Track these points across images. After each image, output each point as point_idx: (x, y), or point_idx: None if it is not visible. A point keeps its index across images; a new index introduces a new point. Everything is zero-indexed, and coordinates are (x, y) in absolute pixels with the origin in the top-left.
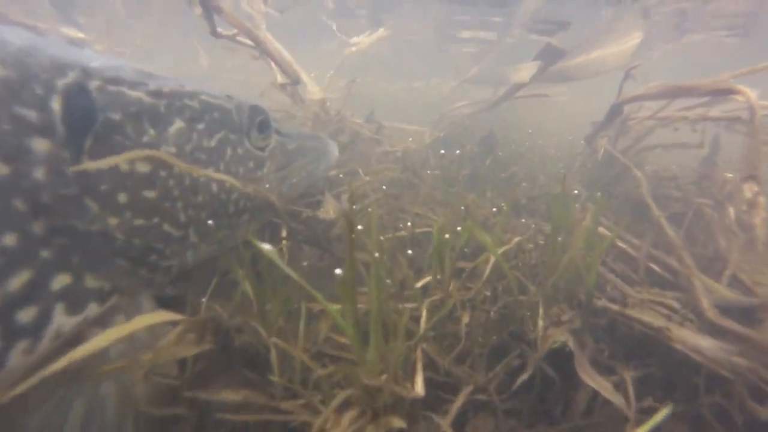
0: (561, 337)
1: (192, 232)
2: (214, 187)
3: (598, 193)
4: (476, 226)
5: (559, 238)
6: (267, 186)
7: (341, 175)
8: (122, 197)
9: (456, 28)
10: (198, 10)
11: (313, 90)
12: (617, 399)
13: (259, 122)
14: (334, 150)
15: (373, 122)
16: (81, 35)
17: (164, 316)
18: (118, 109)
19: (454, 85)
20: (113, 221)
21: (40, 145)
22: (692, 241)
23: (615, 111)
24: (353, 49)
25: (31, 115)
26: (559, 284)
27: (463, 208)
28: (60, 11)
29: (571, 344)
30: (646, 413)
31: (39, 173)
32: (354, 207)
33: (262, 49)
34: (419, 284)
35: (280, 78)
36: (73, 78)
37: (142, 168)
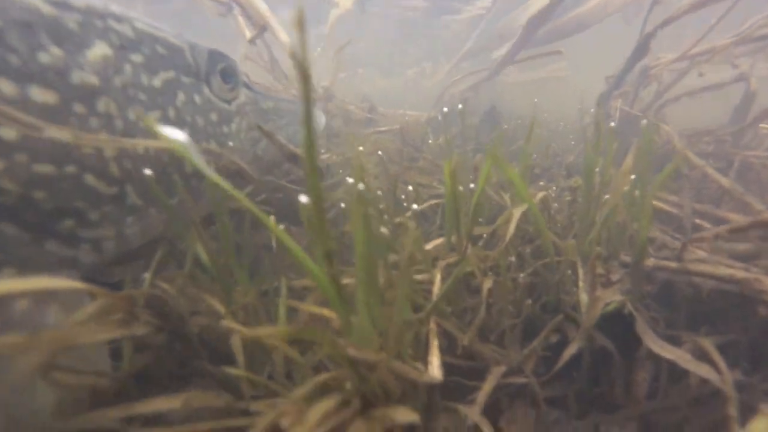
0: (615, 297)
1: (131, 190)
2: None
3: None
4: (499, 160)
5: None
6: (237, 145)
7: (334, 157)
8: (7, 133)
9: None
10: None
11: (285, 38)
12: (704, 371)
13: (222, 69)
14: (319, 115)
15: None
16: None
17: (63, 283)
18: None
19: (450, 67)
20: None
21: None
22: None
23: (641, 50)
24: (336, 11)
25: None
26: (599, 242)
27: (472, 178)
28: None
29: (630, 307)
30: (737, 389)
31: None
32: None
33: None
34: (429, 245)
35: (248, 33)
36: None
37: (43, 97)
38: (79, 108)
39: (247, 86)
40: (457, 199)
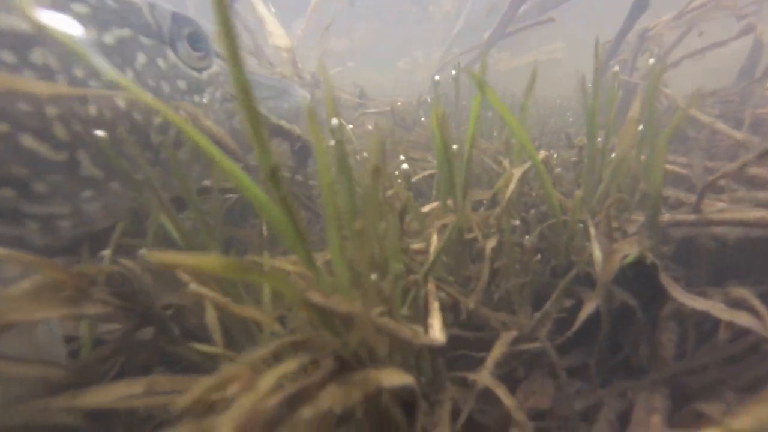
0: (633, 249)
1: (84, 157)
2: (119, 101)
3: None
4: (492, 94)
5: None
6: (211, 117)
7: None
8: None
9: None
10: None
11: (276, 33)
12: (743, 319)
13: (189, 34)
14: (302, 91)
15: (359, 92)
16: None
17: None
18: None
19: (442, 53)
20: None
21: None
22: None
23: (640, 6)
24: None
25: None
26: (608, 195)
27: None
28: None
29: (651, 257)
30: None
31: None
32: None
33: None
34: (425, 209)
35: None
36: None
37: None
38: (7, 57)
39: (219, 56)
40: (448, 151)
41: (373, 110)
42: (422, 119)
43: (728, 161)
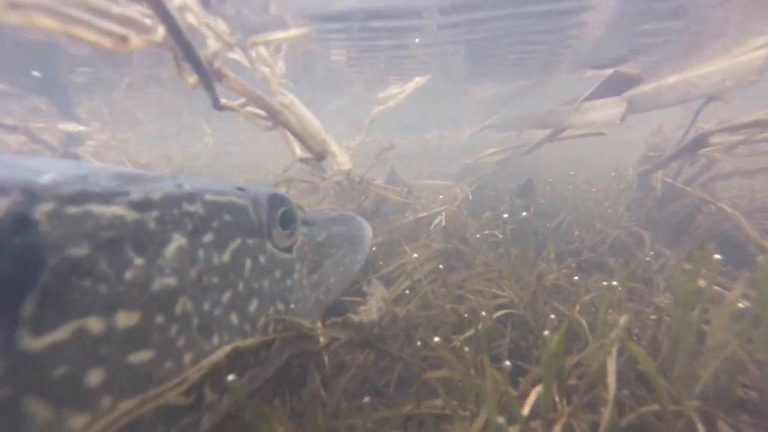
0: None
1: (208, 390)
2: (234, 319)
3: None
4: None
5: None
6: (299, 296)
7: (374, 248)
8: (95, 377)
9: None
10: (192, 79)
11: (342, 161)
12: None
13: (282, 215)
14: (368, 232)
15: (398, 182)
16: (81, 128)
17: None
18: (83, 239)
19: (473, 132)
20: None
21: None
22: None
23: (699, 143)
24: (391, 103)
25: None
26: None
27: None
28: (60, 107)
29: None
30: None
31: None
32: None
33: (277, 120)
34: (525, 410)
35: (299, 151)
36: (6, 207)
37: (127, 321)
38: (160, 319)
39: (304, 221)
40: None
41: (422, 214)
42: (477, 236)
43: None
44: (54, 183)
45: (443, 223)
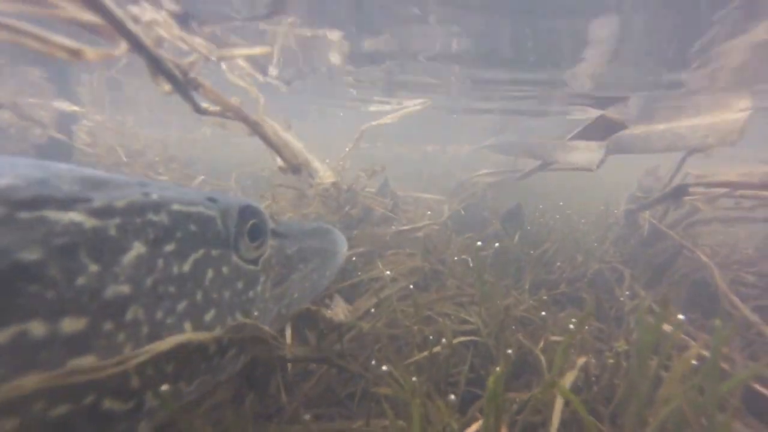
0: None
1: (150, 397)
2: (188, 328)
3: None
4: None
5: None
6: (261, 307)
7: (354, 258)
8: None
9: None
10: (166, 87)
11: (325, 175)
12: None
13: (252, 227)
14: (342, 247)
15: (387, 195)
16: (74, 108)
17: None
18: (34, 244)
19: (471, 150)
20: None
21: None
22: None
23: (680, 192)
24: (387, 119)
25: None
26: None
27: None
28: (57, 85)
29: None
30: None
31: None
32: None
33: (254, 131)
34: None
35: (279, 161)
36: None
37: (73, 326)
38: (108, 326)
39: (275, 233)
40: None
41: (405, 227)
42: (455, 258)
43: None
44: (8, 187)
45: (423, 239)
